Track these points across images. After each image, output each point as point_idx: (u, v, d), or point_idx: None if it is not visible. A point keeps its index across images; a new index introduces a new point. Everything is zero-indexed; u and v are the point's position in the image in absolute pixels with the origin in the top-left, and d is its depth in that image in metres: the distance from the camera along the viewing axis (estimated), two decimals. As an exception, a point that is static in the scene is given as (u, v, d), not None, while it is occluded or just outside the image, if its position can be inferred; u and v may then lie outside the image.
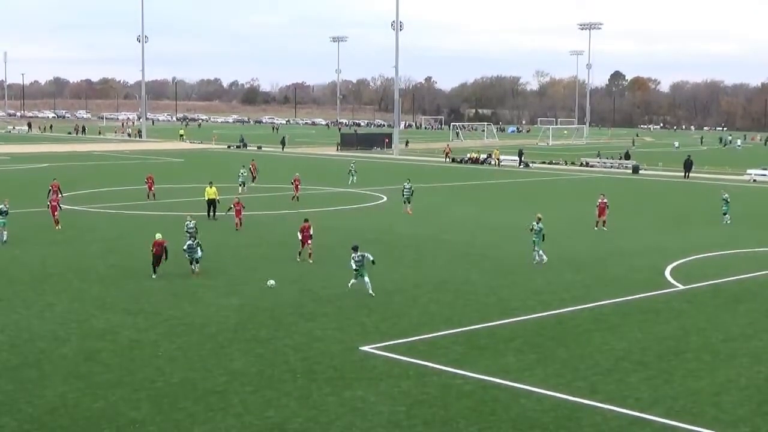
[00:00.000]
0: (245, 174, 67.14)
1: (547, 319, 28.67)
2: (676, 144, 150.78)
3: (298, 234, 37.80)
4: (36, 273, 34.72)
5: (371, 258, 31.06)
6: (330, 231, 44.58)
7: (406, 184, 56.10)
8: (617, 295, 32.15)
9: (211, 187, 51.61)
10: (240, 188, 64.47)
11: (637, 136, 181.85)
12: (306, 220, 38.41)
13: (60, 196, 50.48)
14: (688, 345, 25.80)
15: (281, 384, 21.66)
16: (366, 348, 24.81)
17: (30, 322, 27.30)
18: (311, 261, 37.27)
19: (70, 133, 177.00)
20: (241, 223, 46.70)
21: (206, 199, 51.34)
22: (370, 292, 30.83)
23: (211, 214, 50.75)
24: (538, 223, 37.81)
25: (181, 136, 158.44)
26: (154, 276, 33.75)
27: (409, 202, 55.34)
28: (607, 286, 33.93)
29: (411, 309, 29.63)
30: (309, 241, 37.59)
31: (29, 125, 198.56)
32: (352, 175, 74.83)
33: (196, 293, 31.38)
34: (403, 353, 24.28)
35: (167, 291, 31.81)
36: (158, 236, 34.24)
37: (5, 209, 41.95)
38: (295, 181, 61.80)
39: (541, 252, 37.81)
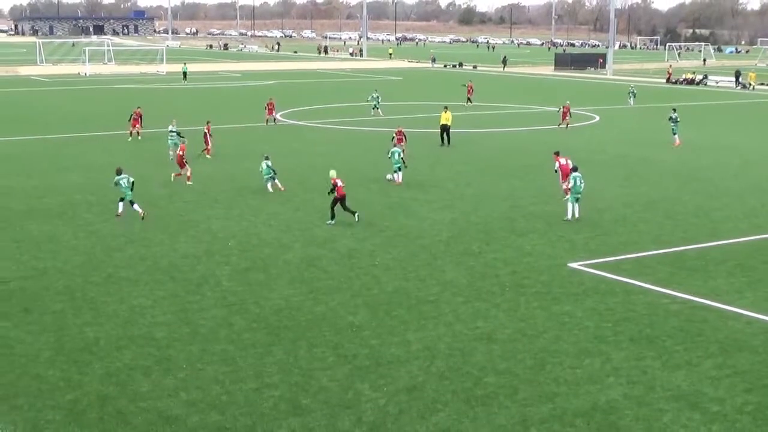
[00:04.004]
0: (377, 97, 63.76)
1: (760, 242, 28.11)
2: None
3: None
4: (259, 184, 35.98)
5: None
6: (541, 146, 44.66)
7: (672, 113, 50.52)
8: (839, 222, 31.02)
9: (446, 112, 48.41)
10: (372, 111, 62.73)
11: None
12: (557, 153, 34.15)
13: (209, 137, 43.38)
14: None
15: (490, 296, 22.35)
16: (574, 265, 25.14)
17: (258, 229, 29.08)
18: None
19: (296, 51, 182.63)
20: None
21: (440, 124, 48.01)
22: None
23: (445, 140, 47.59)
24: None
25: (390, 55, 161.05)
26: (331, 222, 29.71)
27: (674, 133, 49.29)
28: (828, 212, 32.75)
29: (620, 228, 29.68)
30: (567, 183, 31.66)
31: (278, 44, 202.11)
32: (632, 96, 75.67)
33: (411, 206, 32.43)
34: (610, 271, 24.49)
35: (383, 203, 33.01)
36: (333, 173, 30.15)
37: (175, 130, 41.91)
38: (563, 108, 57.27)
39: None
